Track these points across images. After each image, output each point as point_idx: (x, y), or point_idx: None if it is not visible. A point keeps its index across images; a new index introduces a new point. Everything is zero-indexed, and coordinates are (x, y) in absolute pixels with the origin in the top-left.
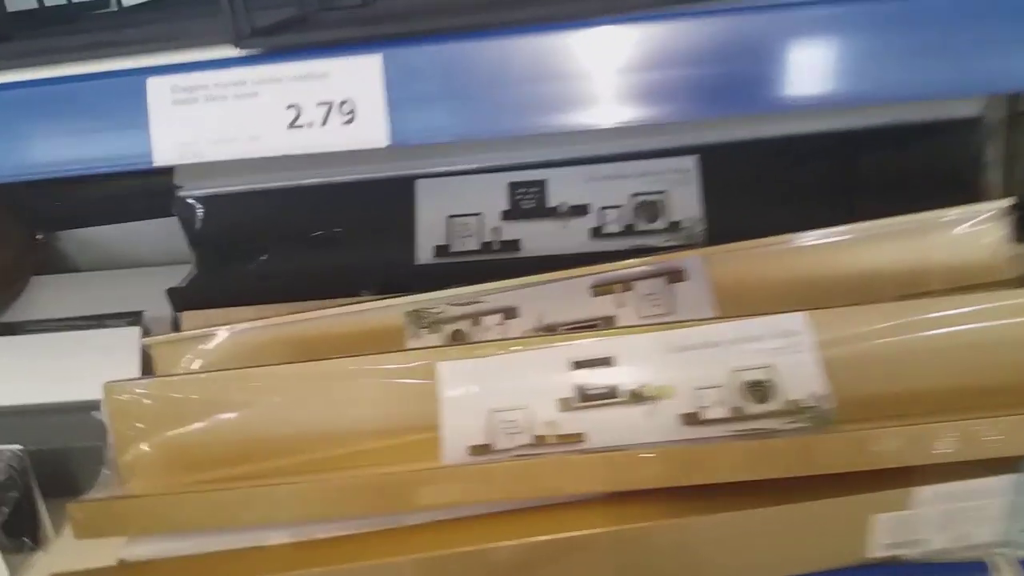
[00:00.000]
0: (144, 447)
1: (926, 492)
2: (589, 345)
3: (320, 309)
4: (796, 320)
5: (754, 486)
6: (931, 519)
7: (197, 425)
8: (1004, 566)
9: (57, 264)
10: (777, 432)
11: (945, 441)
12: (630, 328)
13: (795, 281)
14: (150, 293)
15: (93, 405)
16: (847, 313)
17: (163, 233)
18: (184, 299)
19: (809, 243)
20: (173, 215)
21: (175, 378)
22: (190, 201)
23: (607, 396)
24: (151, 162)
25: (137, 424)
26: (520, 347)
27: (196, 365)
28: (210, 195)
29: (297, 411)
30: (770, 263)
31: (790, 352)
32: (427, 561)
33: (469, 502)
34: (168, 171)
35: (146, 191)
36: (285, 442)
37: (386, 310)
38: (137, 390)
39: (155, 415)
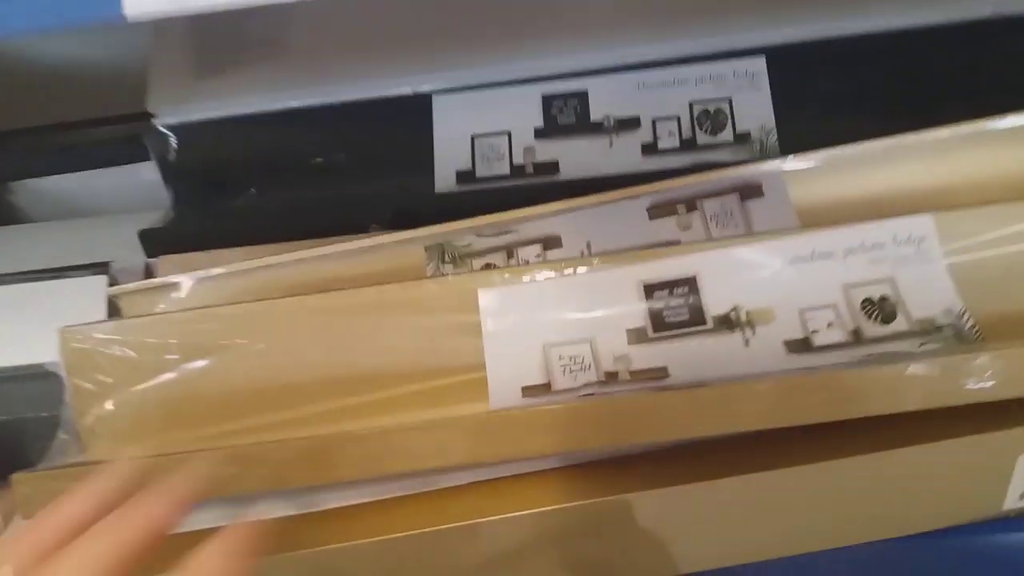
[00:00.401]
0: (109, 405)
1: None
2: (663, 264)
3: (322, 247)
4: (924, 223)
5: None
6: None
7: (174, 376)
8: None
9: (7, 218)
10: (912, 355)
11: None
12: (713, 242)
13: (891, 196)
14: (119, 242)
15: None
16: (981, 215)
17: (128, 183)
18: (159, 242)
19: (909, 146)
20: (140, 161)
21: (146, 319)
22: (165, 130)
23: (690, 324)
24: (122, 16)
25: (100, 377)
26: (578, 268)
27: None
28: (190, 123)
29: (303, 354)
30: (860, 175)
31: (917, 262)
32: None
33: (533, 454)
34: (137, 116)
35: (112, 138)
36: (287, 393)
37: (401, 245)
38: (98, 335)
39: (122, 366)
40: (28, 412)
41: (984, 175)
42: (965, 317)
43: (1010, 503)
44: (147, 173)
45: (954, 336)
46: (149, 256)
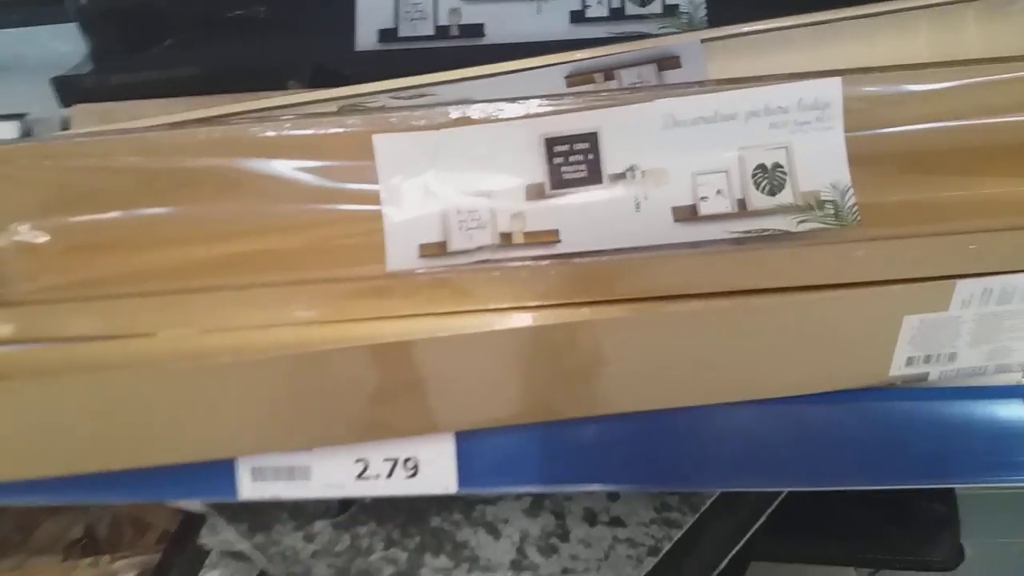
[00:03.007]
0: (18, 230)
1: (968, 287)
2: (566, 119)
3: (237, 103)
4: (832, 87)
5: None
6: (967, 324)
7: (80, 204)
8: None
9: None
10: (788, 234)
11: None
12: (619, 95)
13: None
14: (34, 95)
15: None
16: (889, 77)
17: (53, 41)
18: (74, 90)
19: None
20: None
21: (55, 143)
22: None
23: (587, 181)
24: None
25: (5, 200)
26: (481, 118)
27: None
28: None
29: (198, 192)
30: (781, 54)
31: (817, 129)
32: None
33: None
34: None
35: None
36: (184, 230)
37: (315, 104)
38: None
39: (29, 188)
40: None
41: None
42: (849, 194)
43: (896, 369)
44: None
45: (834, 215)
46: (64, 105)
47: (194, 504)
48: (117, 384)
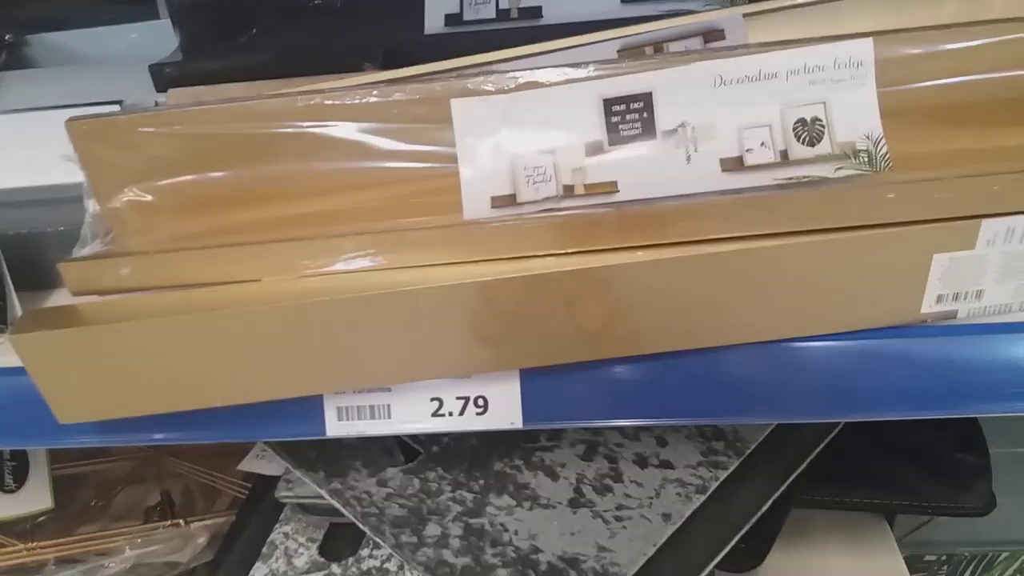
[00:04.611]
0: (132, 192)
1: (992, 227)
2: (622, 80)
3: (317, 82)
4: (864, 47)
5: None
6: (993, 263)
7: (187, 167)
8: None
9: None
10: (827, 180)
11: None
12: (670, 59)
13: None
14: (131, 85)
15: (65, 189)
16: (916, 37)
17: (142, 39)
18: (168, 76)
19: None
20: (153, 19)
21: (159, 113)
22: None
23: (641, 137)
24: None
25: (116, 165)
26: (545, 82)
27: None
28: None
29: (301, 155)
30: (820, 23)
31: (851, 87)
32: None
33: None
34: None
35: None
36: (284, 187)
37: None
38: (106, 124)
39: (140, 153)
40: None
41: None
42: (881, 144)
43: (927, 306)
44: (157, 31)
45: (868, 162)
46: (159, 91)
47: (270, 466)
48: (225, 322)
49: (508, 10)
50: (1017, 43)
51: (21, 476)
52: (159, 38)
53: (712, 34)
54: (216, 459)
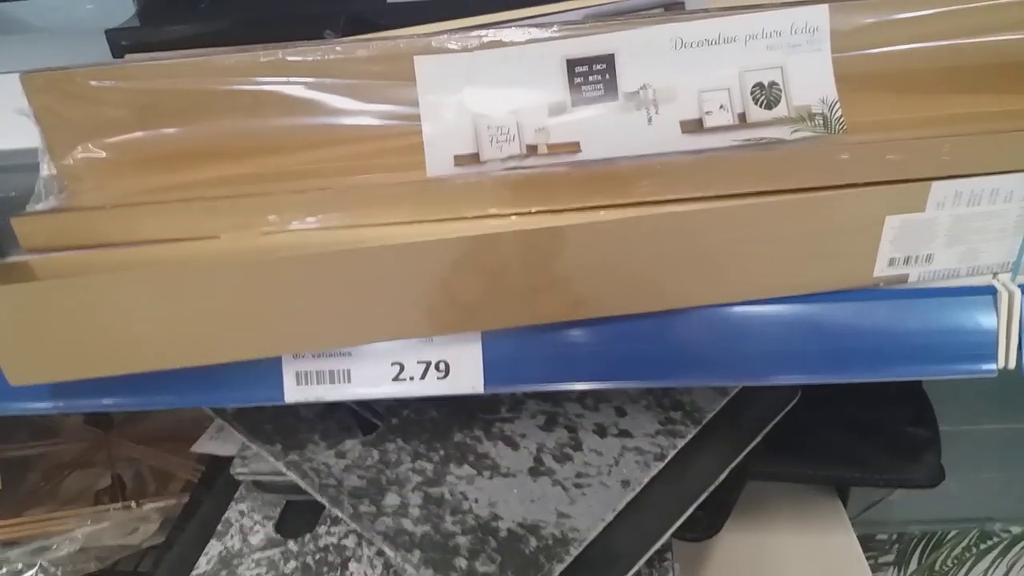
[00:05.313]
0: (88, 147)
1: (942, 189)
2: (586, 41)
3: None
4: (820, 13)
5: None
6: (942, 226)
7: (146, 122)
8: (1013, 291)
9: None
10: (783, 142)
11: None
12: (633, 20)
13: None
14: (87, 53)
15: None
16: (874, 5)
17: (97, 9)
18: (124, 42)
19: None
20: None
21: (109, 66)
22: None
23: (603, 99)
24: None
25: (72, 120)
26: (509, 42)
27: None
28: None
29: (262, 111)
30: None
31: (807, 51)
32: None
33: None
34: None
35: None
36: (244, 144)
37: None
38: (62, 78)
39: (96, 108)
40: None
41: None
42: (836, 108)
43: (880, 270)
44: (113, 2)
45: (823, 125)
46: (115, 57)
47: (224, 447)
48: (183, 278)
49: None
50: (969, 12)
51: None
52: (115, 9)
53: (673, 5)
54: (167, 443)
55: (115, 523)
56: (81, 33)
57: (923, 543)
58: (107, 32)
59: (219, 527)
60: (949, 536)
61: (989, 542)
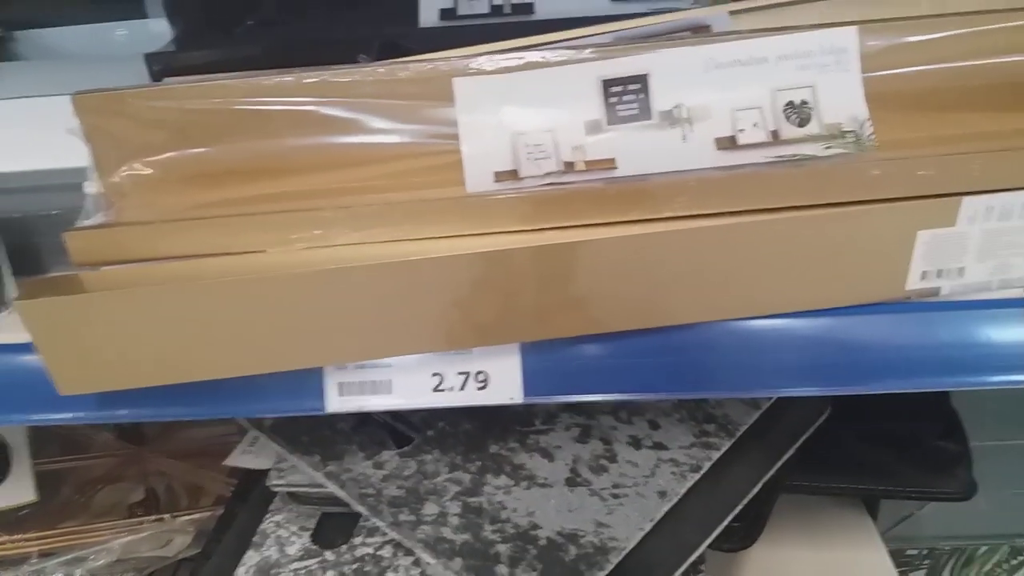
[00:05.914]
0: (136, 165)
1: (973, 204)
2: (620, 61)
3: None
4: (848, 35)
5: None
6: (973, 240)
7: (193, 140)
8: None
9: None
10: (816, 158)
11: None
12: (666, 42)
13: None
14: (124, 78)
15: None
16: (900, 27)
17: (129, 37)
18: (163, 65)
19: None
20: (141, 17)
21: (159, 87)
22: None
23: (638, 118)
24: None
25: (121, 139)
26: (545, 62)
27: None
28: None
29: (306, 130)
30: (801, 16)
31: (836, 71)
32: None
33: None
34: None
35: None
36: (289, 163)
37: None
38: (112, 100)
39: (145, 127)
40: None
41: None
42: (867, 125)
43: (912, 283)
44: (145, 30)
45: (855, 142)
46: (153, 80)
47: (257, 460)
48: (229, 291)
49: (501, 5)
50: (989, 33)
51: (3, 469)
52: (147, 36)
53: (699, 30)
54: (199, 458)
55: (150, 535)
56: (114, 59)
57: (953, 558)
58: (146, 56)
59: (255, 538)
60: (980, 552)
61: (1020, 558)
